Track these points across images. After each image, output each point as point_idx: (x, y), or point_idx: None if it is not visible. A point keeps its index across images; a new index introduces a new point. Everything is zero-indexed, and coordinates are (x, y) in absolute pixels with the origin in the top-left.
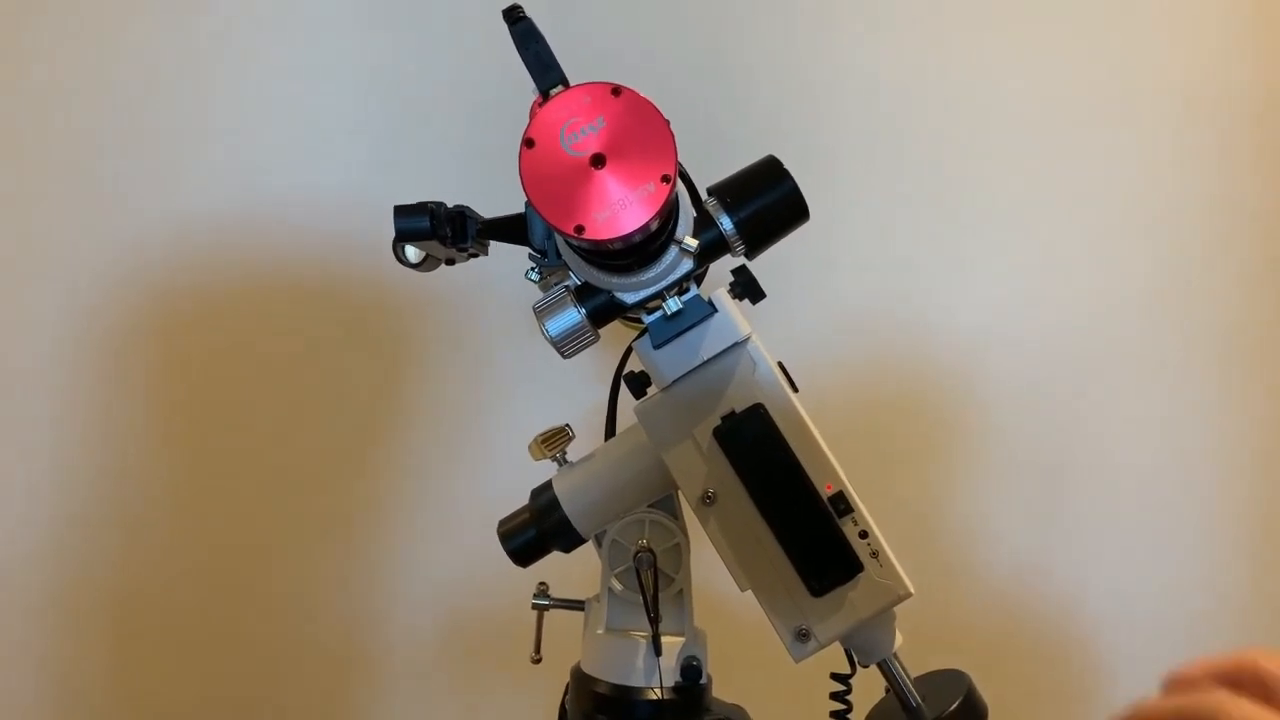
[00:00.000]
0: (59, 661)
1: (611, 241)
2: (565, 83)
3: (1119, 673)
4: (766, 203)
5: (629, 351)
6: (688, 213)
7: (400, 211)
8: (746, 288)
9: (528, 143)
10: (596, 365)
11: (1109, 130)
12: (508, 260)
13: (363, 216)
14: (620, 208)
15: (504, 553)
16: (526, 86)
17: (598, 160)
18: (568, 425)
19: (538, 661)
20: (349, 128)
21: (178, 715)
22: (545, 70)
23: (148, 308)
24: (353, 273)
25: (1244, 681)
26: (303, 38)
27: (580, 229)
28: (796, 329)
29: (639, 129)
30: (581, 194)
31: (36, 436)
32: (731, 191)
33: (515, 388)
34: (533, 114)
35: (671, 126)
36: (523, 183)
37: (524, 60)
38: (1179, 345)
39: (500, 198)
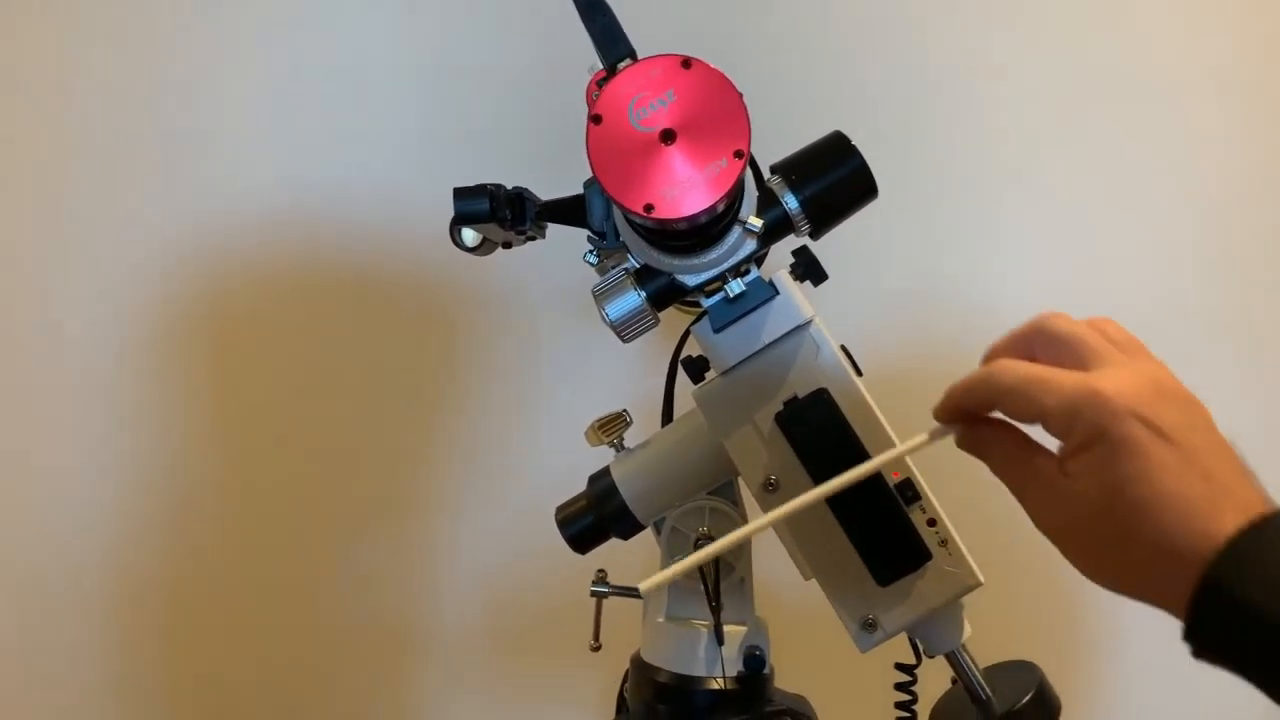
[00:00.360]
0: (114, 647)
1: (678, 221)
2: (633, 55)
3: (1145, 661)
4: (833, 180)
5: (686, 335)
6: (751, 192)
7: (460, 194)
8: (808, 269)
9: (594, 119)
10: (647, 351)
11: (1155, 109)
12: (557, 246)
13: (410, 204)
14: (690, 185)
15: (554, 540)
16: (572, 68)
17: (667, 136)
18: (625, 410)
19: (597, 649)
20: (392, 113)
21: (229, 701)
22: (613, 43)
23: (194, 300)
24: (400, 260)
25: (1036, 341)
26: (342, 22)
27: (649, 208)
28: (845, 311)
29: (710, 103)
30: (650, 171)
31: (85, 432)
32: (797, 169)
33: (564, 374)
34: (589, 92)
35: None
36: (589, 160)
37: (590, 33)
38: (1225, 327)
39: (549, 182)
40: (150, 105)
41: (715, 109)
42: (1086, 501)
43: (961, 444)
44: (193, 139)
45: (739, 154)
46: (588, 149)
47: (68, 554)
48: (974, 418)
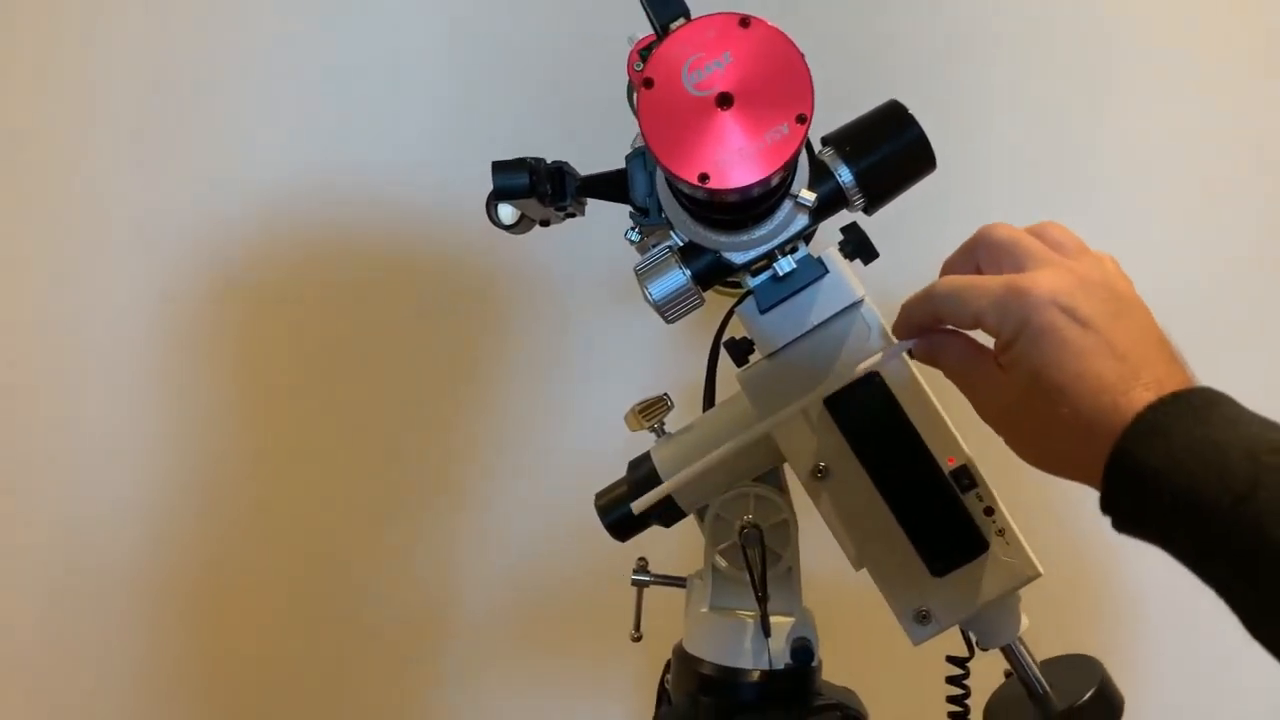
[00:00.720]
0: (142, 634)
1: (732, 193)
2: (687, 15)
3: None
4: (889, 152)
5: (729, 316)
6: (802, 165)
7: (499, 168)
8: (859, 247)
9: (646, 83)
10: (684, 334)
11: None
12: (590, 226)
13: (441, 186)
14: (748, 153)
15: (588, 526)
16: (610, 42)
17: (724, 100)
18: (666, 394)
19: (638, 639)
20: (424, 93)
21: (255, 689)
22: (665, 1)
23: (227, 282)
24: (432, 241)
25: (979, 252)
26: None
27: (704, 177)
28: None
29: (770, 64)
30: (705, 138)
31: (114, 419)
32: (851, 140)
33: (597, 358)
34: (631, 64)
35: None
36: (640, 126)
37: None
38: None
39: (586, 158)
40: (177, 86)
41: (776, 71)
42: (1016, 389)
43: (917, 355)
44: (220, 119)
45: (801, 119)
46: (638, 115)
47: (97, 540)
48: (927, 330)
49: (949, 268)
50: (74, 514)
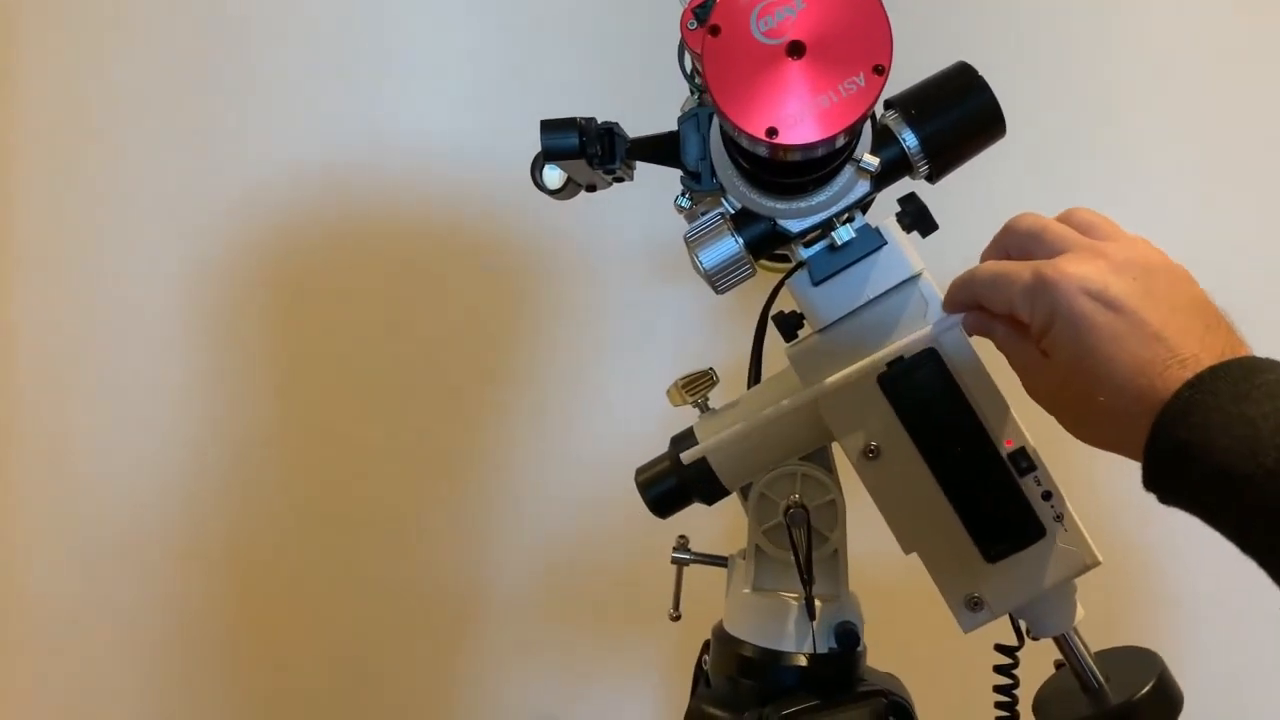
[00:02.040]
0: (178, 609)
1: (799, 149)
2: None
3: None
4: (958, 116)
5: (779, 288)
6: (864, 128)
7: (548, 126)
8: (917, 218)
9: (712, 29)
10: (728, 307)
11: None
12: (630, 194)
13: (477, 159)
14: (820, 107)
15: (626, 502)
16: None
17: (795, 49)
18: (711, 369)
19: (677, 619)
20: (466, 61)
21: (289, 663)
22: None
23: (261, 257)
24: (468, 214)
25: (1009, 242)
26: None
27: (773, 131)
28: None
29: (846, 11)
30: (775, 90)
31: (154, 391)
32: (916, 103)
33: (637, 339)
34: (685, 23)
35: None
36: (704, 76)
37: None
38: None
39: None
40: (213, 54)
41: (851, 18)
42: (1059, 373)
43: (968, 328)
44: (254, 102)
45: (879, 70)
46: (701, 63)
47: (134, 516)
48: (974, 308)
49: (984, 256)
50: (113, 486)
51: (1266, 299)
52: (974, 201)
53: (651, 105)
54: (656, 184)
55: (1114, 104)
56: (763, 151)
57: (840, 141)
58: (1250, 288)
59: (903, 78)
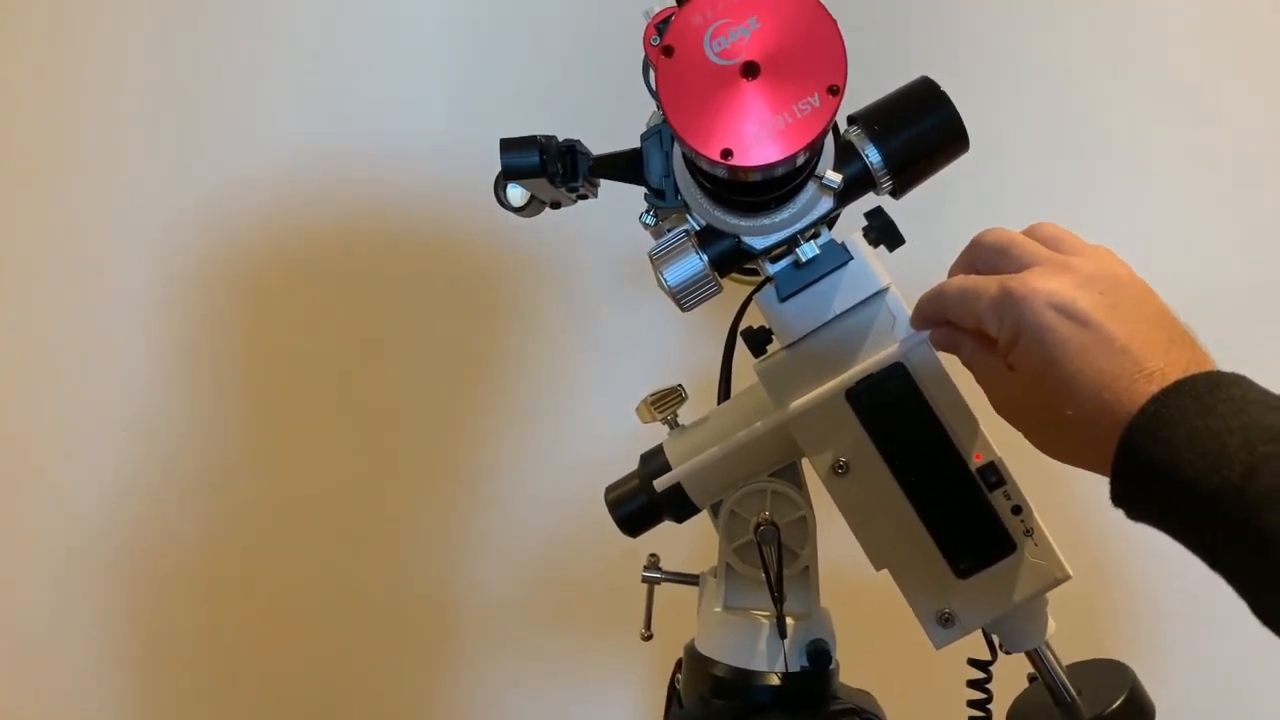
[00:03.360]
0: (152, 616)
1: (756, 171)
2: None
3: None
4: (920, 131)
5: (746, 304)
6: (827, 144)
7: (507, 145)
8: (883, 232)
9: (665, 50)
10: (700, 323)
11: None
12: (602, 209)
13: (456, 165)
14: (775, 127)
15: (598, 519)
16: (627, 13)
17: (749, 70)
18: (680, 386)
19: (648, 639)
20: (434, 65)
21: (267, 671)
22: None
23: (235, 262)
24: (446, 224)
25: (976, 256)
26: None
27: (727, 153)
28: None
29: (800, 31)
30: (729, 110)
31: (125, 398)
32: (879, 118)
33: (609, 346)
34: (648, 38)
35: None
36: (659, 98)
37: None
38: None
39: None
40: (181, 57)
41: (805, 38)
42: (1025, 388)
43: (935, 343)
44: (228, 107)
45: (834, 90)
46: (656, 85)
47: (105, 524)
48: (942, 322)
49: (952, 271)
50: (78, 500)
51: (1247, 300)
52: (940, 216)
53: (620, 121)
54: (629, 195)
55: (1082, 116)
56: (721, 173)
57: (800, 160)
58: (1228, 289)
59: (877, 88)
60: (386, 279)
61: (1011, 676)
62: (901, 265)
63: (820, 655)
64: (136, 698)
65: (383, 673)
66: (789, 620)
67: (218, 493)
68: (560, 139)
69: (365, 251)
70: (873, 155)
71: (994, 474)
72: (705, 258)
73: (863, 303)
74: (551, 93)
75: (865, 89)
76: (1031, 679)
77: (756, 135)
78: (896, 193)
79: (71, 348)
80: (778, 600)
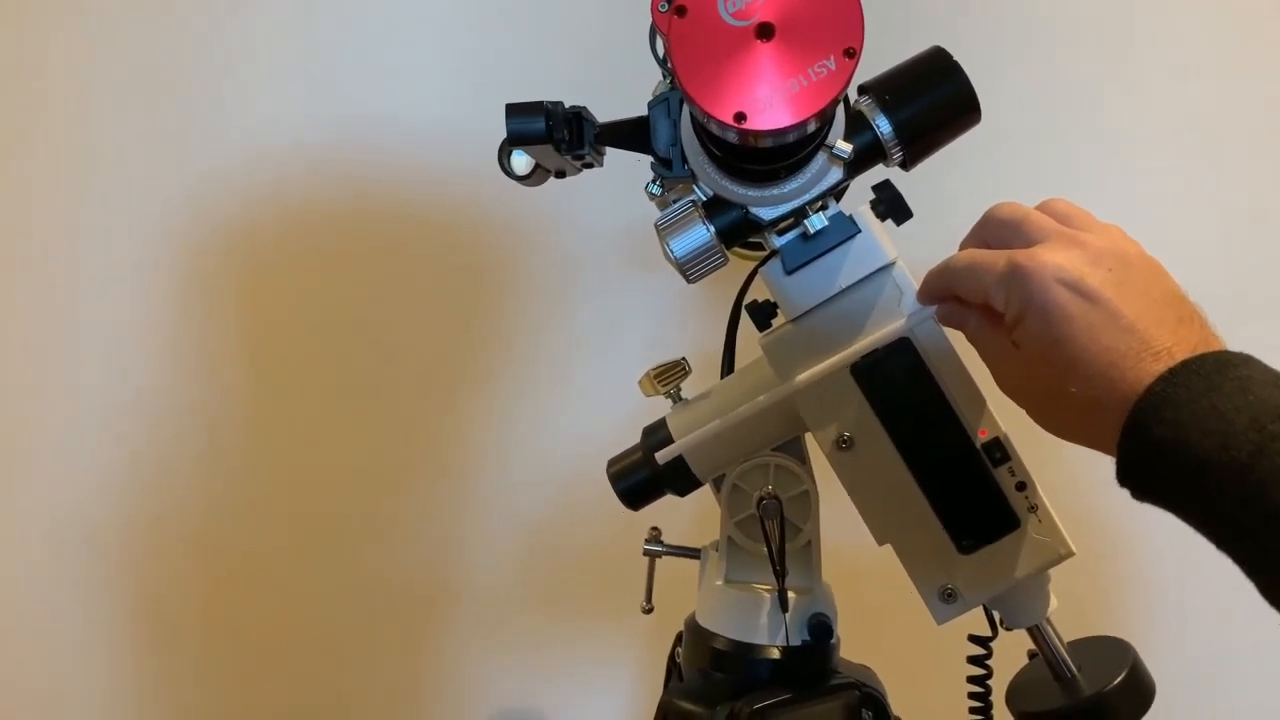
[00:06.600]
0: (145, 599)
1: (768, 135)
2: None
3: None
4: (932, 101)
5: (752, 277)
6: (837, 114)
7: (513, 110)
8: (891, 205)
9: (678, 10)
10: (702, 296)
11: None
12: (603, 179)
13: (455, 142)
14: (790, 91)
15: (598, 493)
16: None
17: (764, 31)
18: (684, 359)
19: (649, 611)
20: (433, 40)
21: (264, 653)
22: None
23: (227, 248)
24: (445, 199)
25: (987, 231)
26: None
27: (740, 116)
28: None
29: None
30: (743, 73)
31: (120, 385)
32: (890, 88)
33: (607, 320)
34: (655, 6)
35: None
36: (671, 60)
37: None
38: None
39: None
40: (178, 38)
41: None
42: (1030, 365)
43: (941, 318)
44: (226, 75)
45: (850, 53)
46: (668, 46)
47: (102, 512)
48: (948, 297)
49: (962, 245)
50: (66, 474)
51: (1248, 286)
52: (950, 189)
53: (629, 88)
54: (630, 170)
55: (1096, 91)
56: (732, 137)
57: (812, 127)
58: (1233, 275)
59: (883, 61)
60: (381, 264)
61: (1012, 652)
62: (905, 243)
63: (821, 629)
64: (130, 682)
65: (376, 654)
66: (790, 594)
67: (209, 482)
68: (567, 105)
69: (358, 239)
70: (883, 125)
71: (999, 450)
72: (712, 228)
73: (869, 276)
74: (552, 72)
75: (873, 59)
76: (1032, 655)
77: (770, 99)
78: (907, 164)
79: (65, 341)
80: (780, 574)
